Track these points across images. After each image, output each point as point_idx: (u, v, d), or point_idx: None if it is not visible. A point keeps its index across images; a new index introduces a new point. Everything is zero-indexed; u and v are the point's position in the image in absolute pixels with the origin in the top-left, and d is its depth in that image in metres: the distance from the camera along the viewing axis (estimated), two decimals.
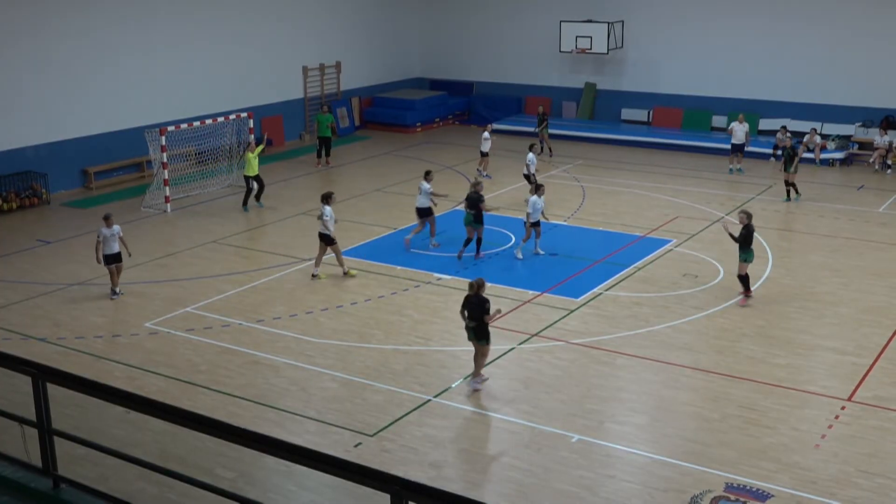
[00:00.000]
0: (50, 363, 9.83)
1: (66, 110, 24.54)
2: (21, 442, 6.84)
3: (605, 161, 28.22)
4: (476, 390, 13.36)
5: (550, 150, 28.88)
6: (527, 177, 22.97)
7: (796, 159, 23.44)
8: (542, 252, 19.19)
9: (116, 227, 16.97)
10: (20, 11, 23.33)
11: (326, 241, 17.87)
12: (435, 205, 19.59)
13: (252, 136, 24.91)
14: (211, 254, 19.84)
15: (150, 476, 9.60)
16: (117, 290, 17.19)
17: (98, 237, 16.95)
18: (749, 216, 16.73)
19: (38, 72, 23.79)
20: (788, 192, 23.49)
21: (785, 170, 23.36)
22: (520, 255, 19.01)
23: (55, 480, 6.28)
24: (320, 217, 17.82)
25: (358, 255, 19.30)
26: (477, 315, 13.09)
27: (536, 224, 18.97)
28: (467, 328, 13.32)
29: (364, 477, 4.86)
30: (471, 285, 13.21)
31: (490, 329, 13.35)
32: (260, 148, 23.33)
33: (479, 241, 18.98)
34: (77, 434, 6.59)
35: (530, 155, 22.97)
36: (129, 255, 17.48)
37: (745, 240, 16.45)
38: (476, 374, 13.47)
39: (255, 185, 23.14)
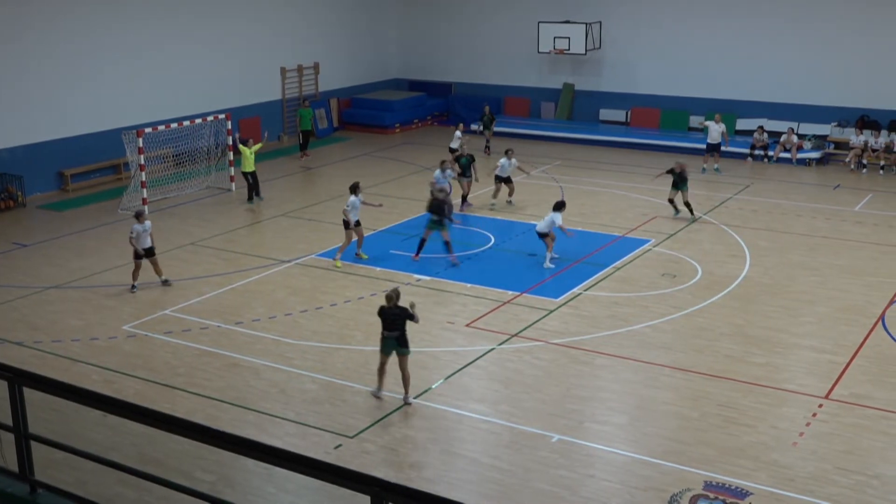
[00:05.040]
0: (27, 367, 9.76)
1: (42, 112, 24.36)
2: None
3: (584, 161, 28.30)
4: (409, 404, 13.01)
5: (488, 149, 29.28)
6: (498, 178, 22.86)
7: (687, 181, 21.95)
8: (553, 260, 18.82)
9: (148, 223, 17.49)
10: None
11: (345, 226, 18.66)
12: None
13: (230, 135, 24.82)
14: (189, 256, 19.75)
15: (129, 480, 9.53)
16: (162, 278, 17.74)
17: (131, 233, 17.38)
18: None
19: (13, 74, 23.61)
20: (677, 208, 22.02)
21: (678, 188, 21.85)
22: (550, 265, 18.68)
23: (32, 485, 6.22)
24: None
25: (345, 258, 19.25)
26: (400, 325, 12.76)
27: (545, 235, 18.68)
28: (387, 340, 12.83)
29: (344, 479, 4.84)
30: (388, 297, 12.89)
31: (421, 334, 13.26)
32: (258, 146, 23.64)
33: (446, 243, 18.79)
34: (54, 438, 6.54)
35: (503, 160, 22.79)
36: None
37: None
38: (408, 388, 13.03)
39: (252, 180, 23.54)
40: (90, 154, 25.63)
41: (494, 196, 23.11)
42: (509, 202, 23.18)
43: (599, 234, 20.87)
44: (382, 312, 12.90)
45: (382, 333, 12.90)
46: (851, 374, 13.92)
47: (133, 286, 17.54)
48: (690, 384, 13.64)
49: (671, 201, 22.02)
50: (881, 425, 12.40)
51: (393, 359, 12.94)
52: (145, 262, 17.51)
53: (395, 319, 12.79)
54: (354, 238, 18.90)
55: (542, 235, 18.73)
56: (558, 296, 17.11)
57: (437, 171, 21.23)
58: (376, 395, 13.17)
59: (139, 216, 17.55)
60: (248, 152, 23.13)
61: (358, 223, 18.76)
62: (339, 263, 18.73)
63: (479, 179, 23.16)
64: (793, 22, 28.91)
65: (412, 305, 12.95)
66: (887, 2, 27.60)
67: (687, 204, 21.76)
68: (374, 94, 34.43)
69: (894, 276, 18.12)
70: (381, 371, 13.07)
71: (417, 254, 18.92)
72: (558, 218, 18.46)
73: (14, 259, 19.73)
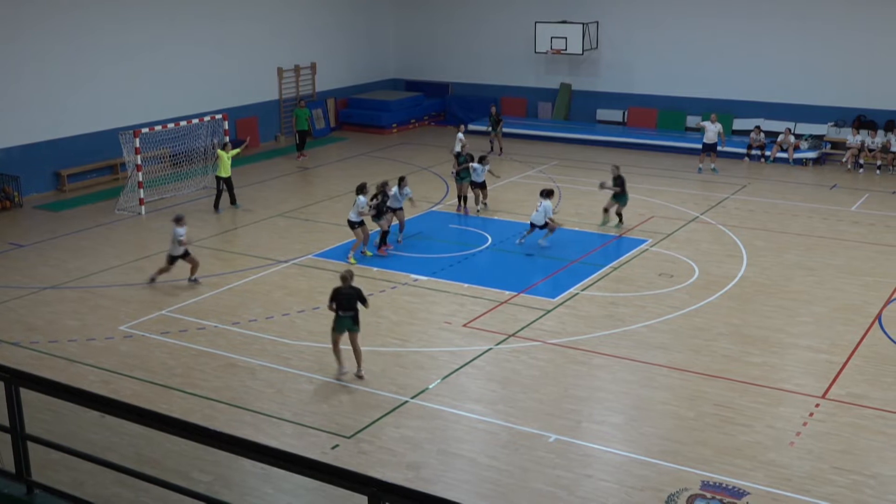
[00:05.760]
0: (23, 367, 9.75)
1: (39, 112, 24.32)
2: None
3: (581, 161, 28.30)
4: (363, 377, 13.77)
5: (501, 150, 29.11)
6: (473, 183, 22.27)
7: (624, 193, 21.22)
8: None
9: (185, 228, 17.68)
10: None
11: (350, 226, 19.05)
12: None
13: (227, 137, 24.78)
14: None
15: (126, 480, 9.54)
16: (192, 277, 17.89)
17: (180, 236, 17.50)
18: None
19: (10, 73, 23.58)
20: (612, 217, 21.32)
21: (617, 200, 21.16)
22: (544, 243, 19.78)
23: (29, 486, 6.22)
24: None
25: (334, 257, 19.27)
26: (353, 305, 13.49)
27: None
28: (342, 320, 13.54)
29: (341, 479, 4.84)
30: (343, 277, 13.68)
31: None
32: (236, 151, 23.22)
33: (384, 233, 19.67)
34: (51, 439, 6.54)
35: (476, 165, 22.09)
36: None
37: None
38: (361, 362, 13.82)
39: (225, 188, 23.00)
40: (87, 154, 25.60)
41: (476, 202, 22.62)
42: (484, 205, 22.56)
43: (597, 234, 20.86)
44: (338, 293, 13.56)
45: (337, 313, 13.57)
46: (848, 373, 13.94)
47: (152, 279, 17.83)
48: (687, 384, 13.65)
49: (606, 210, 21.18)
50: (878, 425, 12.42)
51: (344, 337, 13.76)
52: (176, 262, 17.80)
53: (349, 299, 13.50)
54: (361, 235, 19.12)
55: (538, 226, 19.48)
56: (555, 296, 17.11)
57: (395, 188, 19.90)
58: (341, 374, 13.79)
59: (178, 221, 17.54)
60: (226, 157, 22.61)
61: (362, 223, 18.91)
62: (369, 253, 19.24)
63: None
64: (790, 22, 28.93)
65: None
66: (885, 2, 27.63)
67: (619, 214, 21.13)
68: (371, 95, 34.42)
69: (891, 275, 18.15)
70: (337, 351, 13.77)
71: (380, 246, 19.61)
72: (549, 207, 19.45)
73: (10, 259, 19.70)
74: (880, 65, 27.86)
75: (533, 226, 19.65)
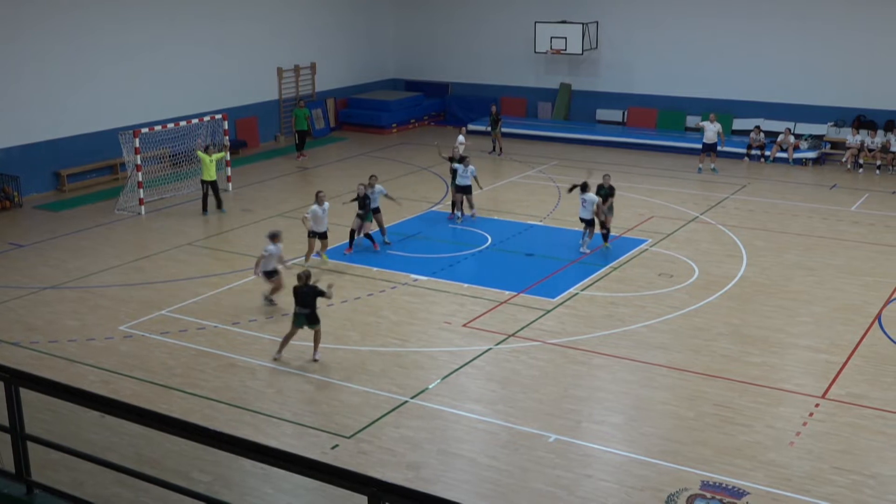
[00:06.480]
0: (23, 367, 9.75)
1: (38, 112, 24.31)
2: None
3: (580, 161, 28.26)
4: (317, 360, 14.45)
5: (501, 150, 29.09)
6: (458, 187, 21.68)
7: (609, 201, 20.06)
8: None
9: (280, 246, 16.64)
10: None
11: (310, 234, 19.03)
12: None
13: (226, 137, 24.75)
14: (186, 256, 19.73)
15: (126, 480, 9.53)
16: (272, 298, 16.74)
17: (263, 253, 16.48)
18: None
19: (10, 73, 23.58)
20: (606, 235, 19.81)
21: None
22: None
23: (29, 486, 6.21)
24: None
25: (334, 257, 19.26)
26: (310, 302, 14.20)
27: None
28: (298, 316, 14.31)
29: (341, 479, 4.84)
30: (299, 276, 14.34)
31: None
32: (220, 155, 23.11)
33: (363, 234, 19.83)
34: (51, 439, 6.53)
35: (459, 166, 21.48)
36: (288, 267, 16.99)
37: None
38: (317, 349, 14.54)
39: (211, 191, 22.73)
40: (87, 154, 25.60)
41: (458, 207, 21.83)
42: (472, 215, 21.85)
43: (596, 234, 20.80)
44: (295, 291, 14.37)
45: (294, 309, 14.44)
46: (848, 373, 13.94)
47: (270, 300, 16.77)
48: (687, 384, 13.65)
49: (597, 224, 19.57)
50: (877, 425, 12.42)
51: (308, 332, 14.57)
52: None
53: (305, 297, 14.23)
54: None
55: (589, 222, 19.34)
56: (555, 296, 17.11)
57: (366, 189, 19.67)
58: (275, 358, 14.49)
59: (274, 237, 16.59)
60: (208, 160, 22.33)
61: (325, 234, 18.92)
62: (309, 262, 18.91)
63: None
64: (790, 22, 28.94)
65: (330, 286, 14.40)
66: (885, 2, 27.64)
67: (606, 229, 19.69)
68: (370, 95, 34.42)
69: (891, 275, 18.15)
70: (287, 340, 14.57)
71: (350, 247, 19.69)
72: (592, 197, 19.28)
73: (10, 259, 19.69)
74: (880, 65, 27.86)
75: (585, 223, 19.34)
